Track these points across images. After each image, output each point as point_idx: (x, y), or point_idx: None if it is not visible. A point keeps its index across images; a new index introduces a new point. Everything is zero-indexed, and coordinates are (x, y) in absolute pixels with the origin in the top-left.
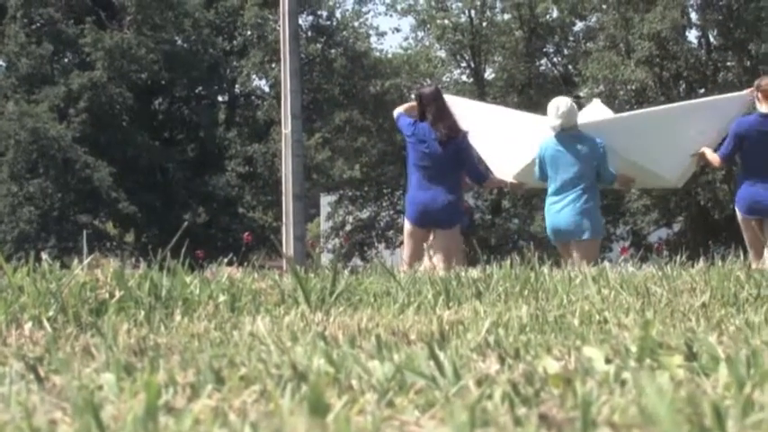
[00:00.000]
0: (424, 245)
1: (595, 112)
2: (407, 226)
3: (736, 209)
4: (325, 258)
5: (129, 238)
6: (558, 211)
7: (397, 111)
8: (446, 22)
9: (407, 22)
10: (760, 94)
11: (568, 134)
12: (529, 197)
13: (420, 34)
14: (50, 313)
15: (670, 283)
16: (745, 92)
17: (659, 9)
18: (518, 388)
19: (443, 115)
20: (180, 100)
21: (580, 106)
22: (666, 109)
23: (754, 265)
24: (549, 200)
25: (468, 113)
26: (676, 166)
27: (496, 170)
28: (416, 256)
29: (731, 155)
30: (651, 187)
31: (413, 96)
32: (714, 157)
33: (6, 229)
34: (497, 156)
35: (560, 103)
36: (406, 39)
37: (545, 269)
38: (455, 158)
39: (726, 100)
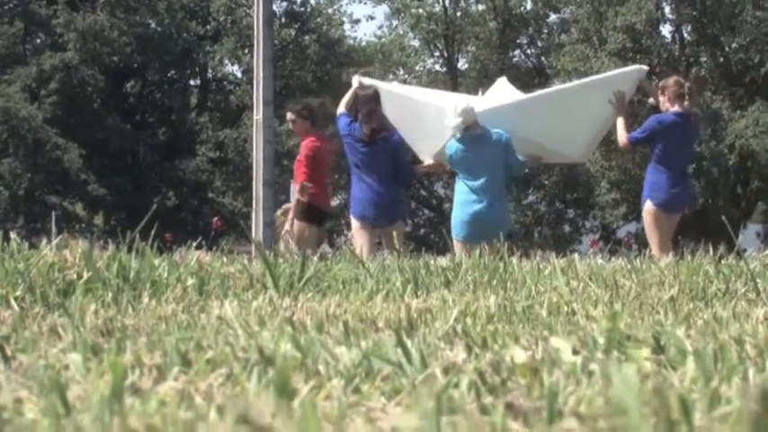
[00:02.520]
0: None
1: (501, 92)
2: (356, 223)
3: (651, 203)
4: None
5: (98, 220)
6: (477, 212)
7: (340, 109)
8: (420, 11)
9: (382, 10)
10: (668, 94)
11: (471, 134)
12: None
13: (394, 23)
14: (18, 293)
15: (639, 276)
16: (635, 67)
17: (634, 1)
18: (485, 377)
19: (372, 117)
20: (152, 84)
21: None
22: (562, 89)
23: (661, 259)
24: (464, 198)
25: (393, 97)
26: (578, 142)
27: (418, 150)
28: (372, 251)
29: (639, 143)
30: (558, 162)
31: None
32: (624, 135)
33: None
34: (419, 137)
35: (458, 103)
36: (380, 27)
37: (514, 260)
38: (387, 156)
39: (618, 76)
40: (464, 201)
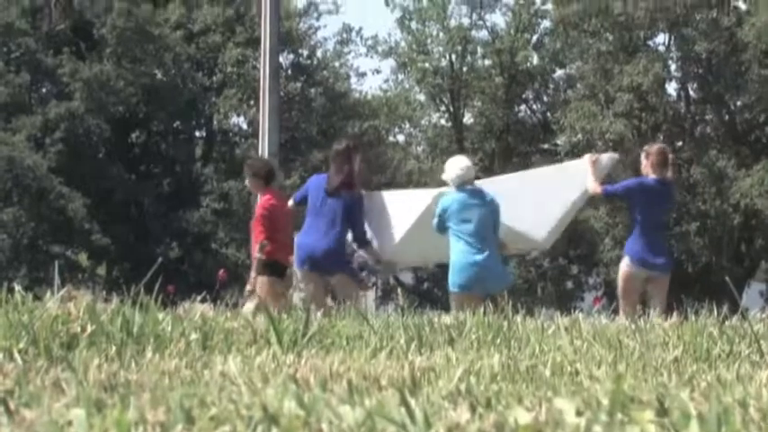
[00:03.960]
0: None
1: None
2: (300, 272)
3: (627, 258)
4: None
5: (101, 270)
6: (476, 261)
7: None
8: (426, 65)
9: (388, 63)
10: (652, 160)
11: (470, 188)
12: None
13: (400, 76)
14: (21, 345)
15: (643, 336)
16: (608, 155)
17: (642, 63)
18: None
19: (341, 169)
20: (157, 134)
21: (557, 153)
22: (535, 171)
23: (626, 317)
24: (461, 248)
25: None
26: (545, 225)
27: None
28: (319, 300)
29: (613, 196)
30: (523, 250)
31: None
32: (596, 184)
33: None
34: (384, 235)
35: (461, 159)
36: (386, 80)
37: (518, 318)
38: (343, 210)
39: (575, 165)
40: (461, 250)
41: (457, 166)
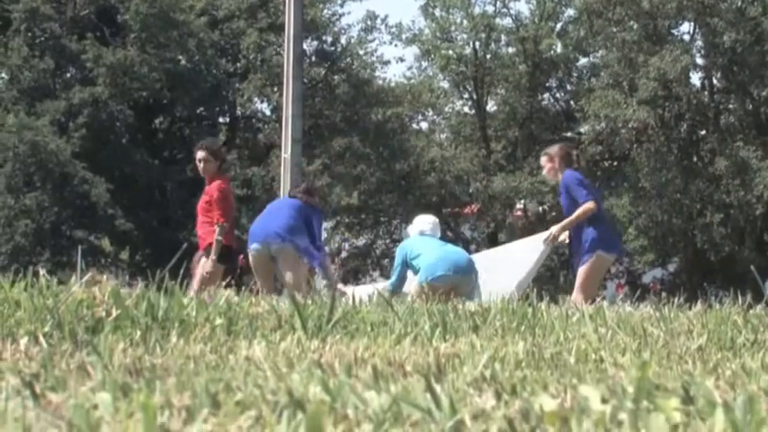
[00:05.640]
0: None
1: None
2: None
3: (601, 252)
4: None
5: (125, 255)
6: (446, 256)
7: None
8: (450, 52)
9: (411, 51)
10: (558, 161)
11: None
12: (525, 231)
13: (424, 64)
14: (46, 329)
15: (667, 324)
16: (544, 234)
17: (672, 53)
18: (514, 424)
19: (305, 193)
20: (181, 120)
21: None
22: (485, 253)
23: (586, 303)
24: (431, 257)
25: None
26: (512, 286)
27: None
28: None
29: (595, 196)
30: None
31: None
32: (587, 207)
33: (1, 241)
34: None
35: (430, 218)
36: (410, 68)
37: (543, 305)
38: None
39: (532, 240)
40: (429, 259)
41: (425, 222)
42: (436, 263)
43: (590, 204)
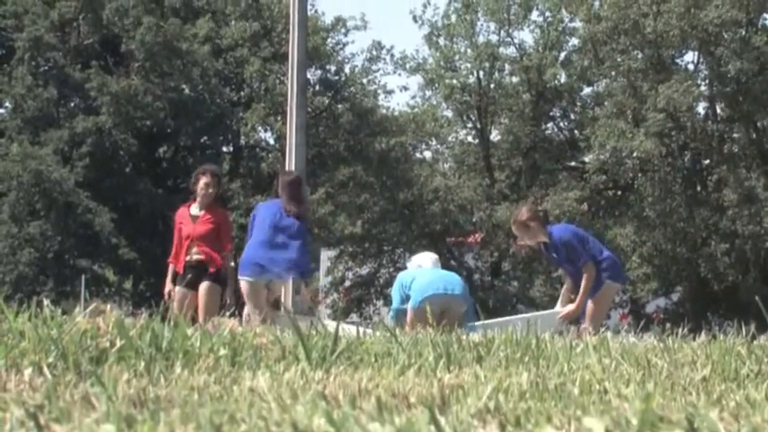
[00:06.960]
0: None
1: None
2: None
3: (609, 281)
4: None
5: (128, 284)
6: (439, 277)
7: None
8: (454, 81)
9: (415, 80)
10: (538, 222)
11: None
12: (529, 261)
13: (427, 93)
14: (50, 360)
15: (671, 355)
16: (556, 309)
17: (683, 84)
18: None
19: (293, 200)
20: (184, 149)
21: (585, 171)
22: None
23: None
24: (423, 280)
25: None
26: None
27: None
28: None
29: (600, 255)
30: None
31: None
32: (589, 272)
33: (5, 270)
34: None
35: (430, 255)
36: (414, 97)
37: (546, 336)
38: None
39: (548, 315)
40: (421, 285)
41: (427, 258)
42: (428, 283)
43: (589, 268)
